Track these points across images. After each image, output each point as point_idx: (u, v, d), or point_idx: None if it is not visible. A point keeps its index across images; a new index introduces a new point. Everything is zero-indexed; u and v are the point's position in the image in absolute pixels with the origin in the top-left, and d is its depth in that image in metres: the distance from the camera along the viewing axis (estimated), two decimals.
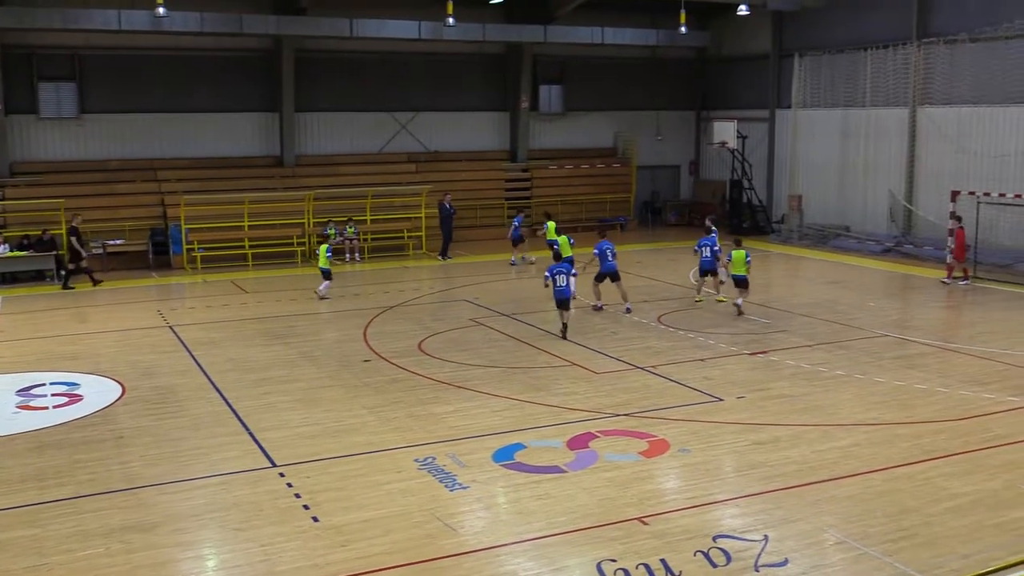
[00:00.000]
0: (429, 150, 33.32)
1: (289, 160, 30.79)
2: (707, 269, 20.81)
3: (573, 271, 18.99)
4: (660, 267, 26.30)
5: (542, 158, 34.89)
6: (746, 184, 33.68)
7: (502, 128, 34.56)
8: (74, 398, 14.30)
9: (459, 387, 14.48)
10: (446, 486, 10.52)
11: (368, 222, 29.20)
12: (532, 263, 25.90)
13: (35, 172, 28.06)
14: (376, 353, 16.74)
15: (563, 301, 17.67)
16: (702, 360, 15.96)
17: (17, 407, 13.90)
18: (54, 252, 25.23)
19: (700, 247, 20.83)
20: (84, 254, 24.39)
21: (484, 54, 33.70)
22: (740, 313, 19.33)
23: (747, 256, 19.60)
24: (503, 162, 34.37)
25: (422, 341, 17.56)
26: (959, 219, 23.09)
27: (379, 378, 15.08)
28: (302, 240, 28.21)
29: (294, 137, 30.84)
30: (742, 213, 33.33)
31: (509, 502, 10.18)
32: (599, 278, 20.01)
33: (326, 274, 22.16)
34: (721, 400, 13.66)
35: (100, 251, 26.41)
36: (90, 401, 14.09)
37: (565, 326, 17.69)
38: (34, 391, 14.68)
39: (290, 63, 29.97)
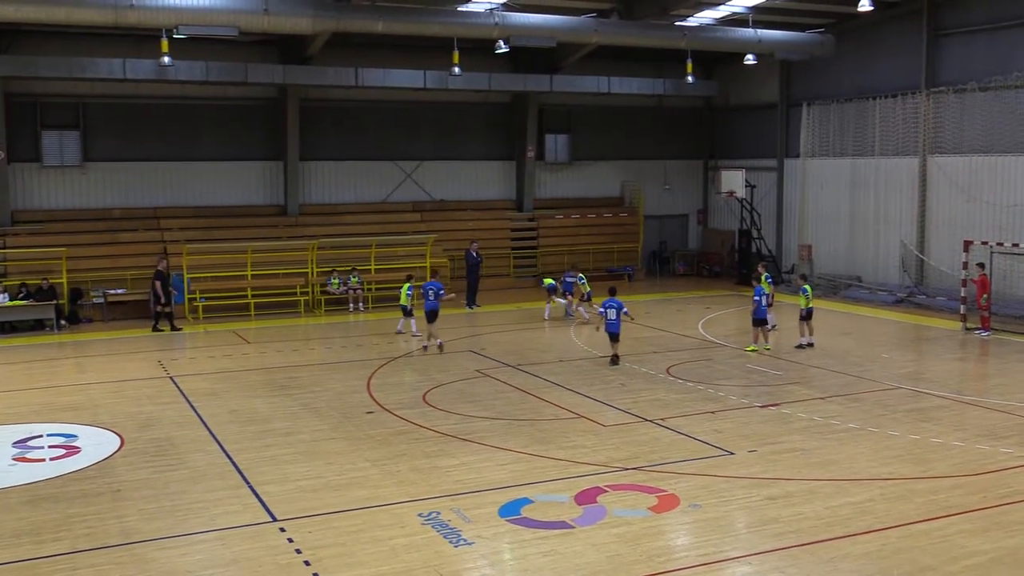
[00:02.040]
0: (434, 199, 33.52)
1: (293, 209, 30.98)
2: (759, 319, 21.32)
3: (625, 309, 20.15)
4: (668, 318, 26.28)
5: (548, 208, 35.07)
6: (755, 234, 33.78)
7: (508, 177, 34.80)
8: (71, 450, 14.24)
9: (464, 440, 14.41)
10: (450, 542, 10.42)
11: (372, 271, 29.28)
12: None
13: (37, 221, 28.26)
14: (380, 404, 16.69)
15: (613, 335, 19.69)
16: (712, 412, 15.87)
17: (13, 459, 13.84)
18: (54, 301, 25.29)
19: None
20: (162, 299, 24.78)
21: (490, 103, 34.04)
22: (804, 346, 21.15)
23: (805, 290, 21.66)
24: (509, 211, 34.54)
25: (426, 392, 17.51)
26: (982, 266, 23.09)
27: (382, 430, 15.02)
28: (305, 290, 28.27)
29: (298, 186, 31.06)
30: (751, 263, 33.32)
31: (515, 558, 10.07)
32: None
33: (406, 312, 23.13)
34: (732, 454, 13.55)
35: (101, 300, 26.50)
36: (88, 453, 14.02)
37: (615, 356, 19.67)
38: (31, 443, 14.63)
39: (295, 112, 30.29)
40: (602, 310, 20.09)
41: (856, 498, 11.68)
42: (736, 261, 34.28)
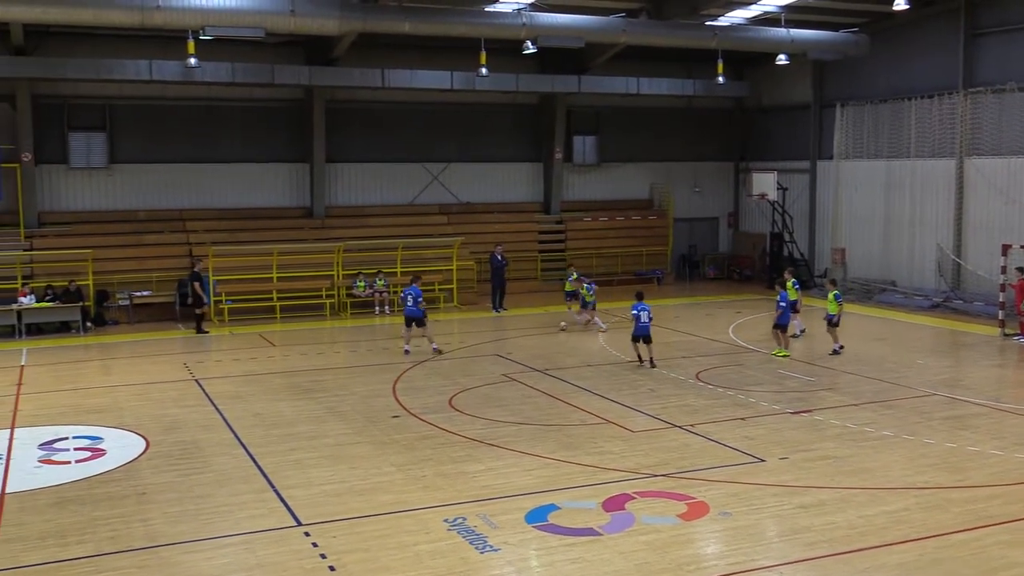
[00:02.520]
0: (461, 201, 33.57)
1: (319, 211, 31.14)
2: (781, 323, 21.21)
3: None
4: (698, 322, 26.16)
5: (576, 210, 35.02)
6: (787, 237, 33.57)
7: (535, 179, 34.79)
8: (97, 453, 14.37)
9: (491, 445, 14.40)
10: (476, 548, 10.41)
11: (398, 274, 29.35)
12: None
13: (64, 222, 28.57)
14: (405, 409, 16.72)
15: (647, 337, 19.96)
16: (742, 419, 15.78)
17: (40, 461, 13.99)
18: (80, 303, 25.55)
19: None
20: (205, 300, 25.14)
21: (517, 104, 34.05)
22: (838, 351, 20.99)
23: (839, 296, 21.51)
24: (536, 214, 34.53)
25: (452, 397, 17.52)
26: (1021, 270, 22.81)
27: (408, 435, 15.04)
28: (331, 292, 28.38)
29: (324, 188, 31.22)
30: (783, 267, 33.10)
31: (542, 566, 10.05)
32: (635, 339, 20.12)
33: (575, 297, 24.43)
34: (763, 461, 13.46)
35: (126, 302, 26.75)
36: (113, 456, 14.15)
37: (651, 359, 19.87)
38: (57, 445, 14.78)
39: (321, 114, 30.45)
40: (635, 312, 20.11)
41: (891, 507, 11.56)
42: (767, 265, 34.07)
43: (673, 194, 35.97)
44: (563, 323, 24.99)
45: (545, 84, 32.14)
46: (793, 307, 21.89)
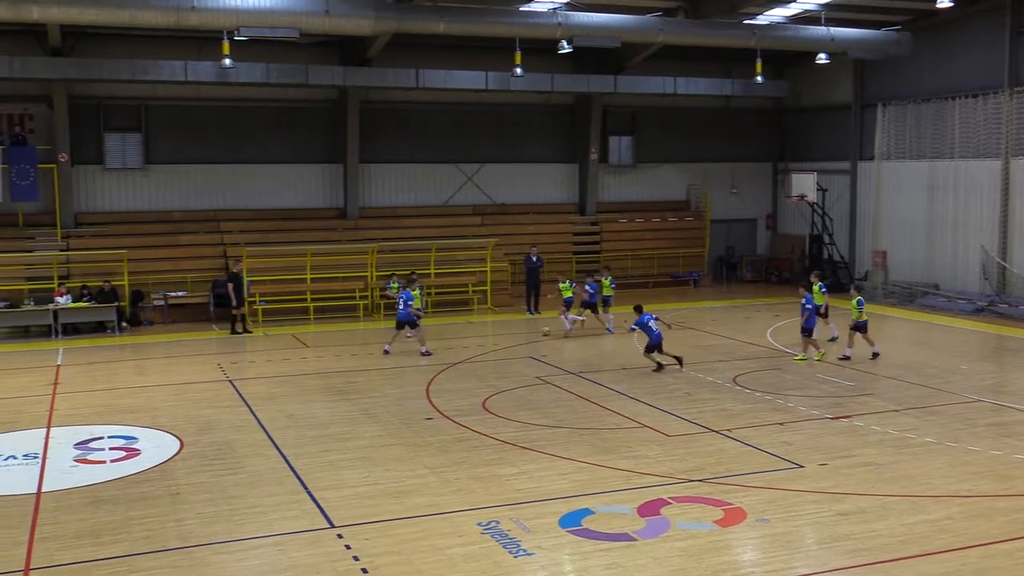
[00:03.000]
0: (495, 203, 33.60)
1: (352, 212, 31.30)
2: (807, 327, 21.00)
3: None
4: (735, 325, 25.99)
5: (612, 211, 34.94)
6: (827, 239, 33.28)
7: (571, 180, 34.75)
8: (132, 452, 14.53)
9: (524, 448, 14.40)
10: (510, 552, 10.41)
11: (432, 276, 29.44)
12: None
13: (100, 223, 28.94)
14: (439, 411, 16.76)
15: (660, 344, 19.99)
16: (780, 424, 15.65)
17: (75, 460, 14.18)
18: (116, 303, 25.86)
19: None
20: (235, 302, 25.26)
21: (552, 105, 34.04)
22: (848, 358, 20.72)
23: (861, 302, 21.16)
24: (571, 215, 34.49)
25: (486, 399, 17.54)
26: None
27: (442, 437, 15.07)
28: (364, 294, 28.52)
29: (358, 189, 31.38)
30: (823, 270, 32.82)
31: (576, 570, 10.02)
32: (653, 349, 20.04)
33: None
34: (801, 467, 13.35)
35: (161, 303, 27.05)
36: (147, 456, 14.30)
37: (661, 364, 19.78)
38: (92, 445, 14.96)
39: (355, 114, 30.62)
40: (651, 321, 20.14)
41: (933, 515, 11.42)
42: (807, 267, 33.77)
43: (710, 195, 35.78)
44: (547, 328, 24.79)
45: (581, 84, 32.10)
46: (818, 311, 21.54)
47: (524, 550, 10.45)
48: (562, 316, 24.57)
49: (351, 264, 28.89)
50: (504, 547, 10.54)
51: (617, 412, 16.53)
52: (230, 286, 25.31)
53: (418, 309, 22.36)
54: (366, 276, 28.78)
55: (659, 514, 11.51)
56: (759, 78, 30.05)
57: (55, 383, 19.50)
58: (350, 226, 31.10)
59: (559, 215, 34.30)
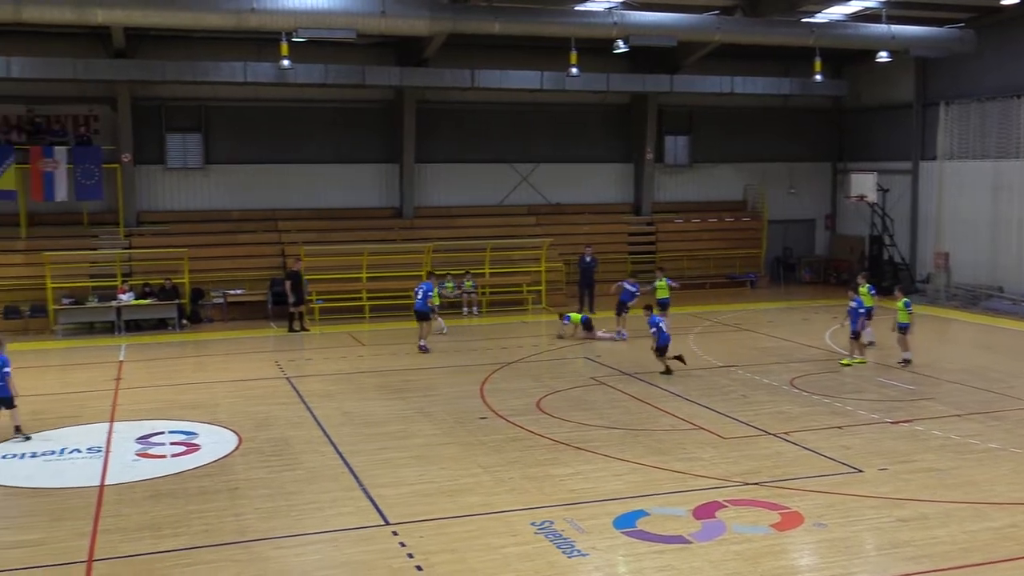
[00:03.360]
0: (550, 202, 33.58)
1: (408, 212, 31.50)
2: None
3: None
4: (792, 327, 25.69)
5: (667, 211, 34.73)
6: (887, 240, 32.76)
7: (626, 180, 34.62)
8: (191, 447, 14.79)
9: (578, 448, 14.38)
10: (564, 552, 10.41)
11: (487, 275, 29.51)
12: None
13: (161, 222, 29.47)
14: (493, 410, 16.80)
15: (666, 347, 19.68)
16: (839, 428, 15.45)
17: (137, 455, 14.46)
18: (177, 301, 26.31)
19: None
20: (291, 299, 25.60)
21: (608, 104, 33.93)
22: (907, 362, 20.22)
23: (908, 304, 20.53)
24: (627, 215, 34.36)
25: (540, 399, 17.54)
26: None
27: (496, 436, 15.11)
28: (470, 284, 28.60)
29: (413, 188, 31.57)
30: (883, 271, 32.36)
31: (630, 572, 9.99)
32: (663, 350, 19.75)
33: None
34: (860, 471, 13.16)
35: (221, 300, 27.46)
36: (207, 451, 14.54)
37: (669, 369, 19.46)
38: (153, 439, 15.25)
39: (411, 114, 30.81)
40: (660, 322, 19.97)
41: (997, 523, 11.19)
42: (866, 268, 33.27)
43: (767, 195, 35.42)
44: (561, 331, 24.57)
45: (636, 84, 31.96)
46: (869, 314, 21.16)
47: (578, 551, 10.44)
48: (613, 329, 24.29)
49: (406, 263, 29.03)
50: (558, 547, 10.53)
51: (672, 413, 16.44)
52: (288, 284, 25.61)
53: (435, 305, 23.11)
54: (421, 275, 28.87)
55: (714, 517, 11.43)
56: (818, 77, 29.62)
57: (118, 378, 19.90)
58: (406, 226, 31.30)
59: (614, 215, 34.18)
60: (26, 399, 17.79)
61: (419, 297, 22.70)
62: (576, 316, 24.61)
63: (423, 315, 22.70)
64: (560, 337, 24.12)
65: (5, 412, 15.44)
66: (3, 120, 28.02)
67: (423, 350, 22.37)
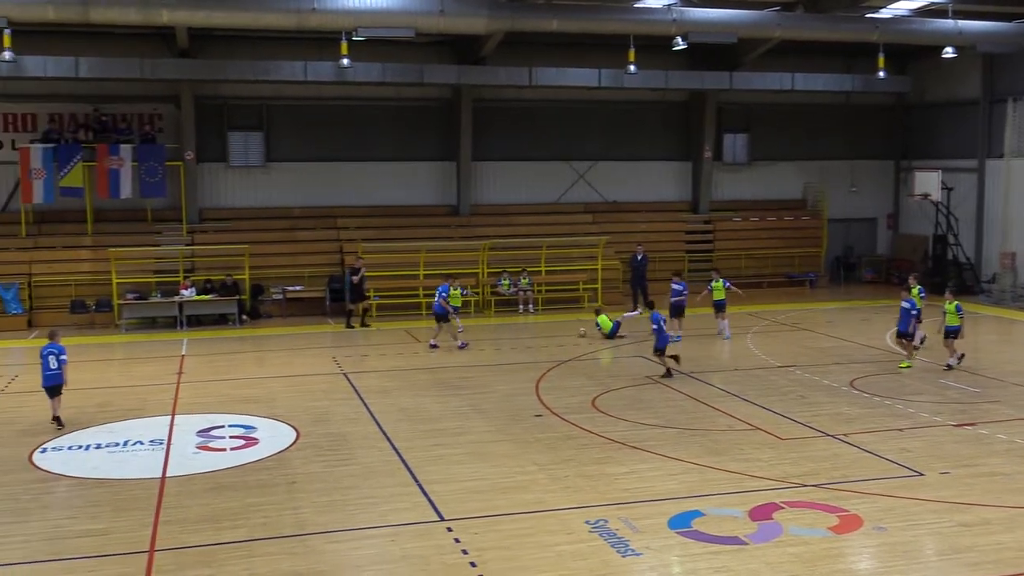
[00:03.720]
0: (607, 200, 33.49)
1: (465, 209, 31.62)
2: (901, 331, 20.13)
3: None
4: (853, 327, 25.31)
5: (726, 209, 34.43)
6: (952, 240, 32.12)
7: (683, 178, 34.38)
8: (250, 441, 15.01)
9: (633, 447, 14.33)
10: (618, 551, 10.38)
11: (543, 273, 29.50)
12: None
13: (222, 219, 29.94)
14: (548, 408, 16.81)
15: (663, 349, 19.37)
16: (900, 430, 15.19)
17: (197, 447, 14.72)
18: (237, 297, 26.72)
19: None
20: (349, 297, 26.07)
21: (666, 102, 33.72)
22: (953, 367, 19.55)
23: (959, 307, 19.84)
24: (684, 213, 34.12)
25: (596, 397, 17.51)
26: None
27: (550, 434, 15.11)
28: (476, 290, 28.77)
29: (470, 186, 31.68)
30: (947, 271, 31.74)
31: (685, 572, 9.94)
32: (663, 350, 19.38)
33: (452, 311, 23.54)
34: (922, 475, 12.93)
35: (280, 297, 27.82)
36: (266, 445, 14.75)
37: (670, 371, 19.15)
38: (213, 432, 15.51)
39: (468, 112, 30.92)
40: (662, 320, 19.57)
41: None
42: (930, 268, 32.69)
43: (828, 194, 34.91)
44: (582, 329, 24.40)
45: (695, 81, 31.72)
46: (919, 316, 20.56)
47: (632, 550, 10.40)
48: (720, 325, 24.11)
49: (463, 261, 29.16)
50: (612, 546, 10.51)
51: (729, 413, 16.30)
52: (355, 279, 25.86)
53: (454, 307, 23.31)
54: (477, 273, 29.03)
55: (771, 518, 11.31)
56: (881, 73, 29.16)
57: (179, 372, 20.27)
58: (462, 223, 31.42)
59: (671, 213, 33.97)
60: (91, 391, 18.26)
61: (437, 300, 23.05)
62: (606, 321, 24.27)
63: (440, 316, 23.04)
64: (581, 336, 23.99)
65: (49, 401, 15.87)
66: (71, 119, 28.69)
67: (433, 347, 22.62)
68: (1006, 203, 30.89)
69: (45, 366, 15.96)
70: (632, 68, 26.35)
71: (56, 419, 15.78)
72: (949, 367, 19.65)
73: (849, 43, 28.93)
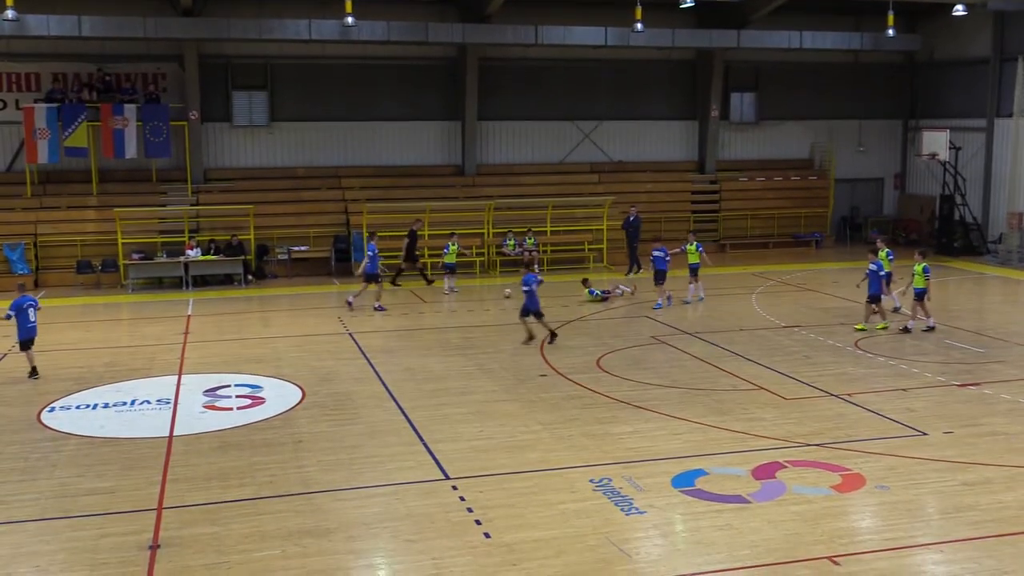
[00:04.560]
0: (613, 160, 33.33)
1: (470, 169, 31.51)
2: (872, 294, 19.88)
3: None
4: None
5: (732, 169, 34.26)
6: (959, 200, 31.96)
7: (690, 138, 34.18)
8: (257, 400, 15.09)
9: (638, 407, 14.37)
10: (622, 509, 10.45)
11: (548, 233, 29.45)
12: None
13: (227, 179, 29.87)
14: (553, 368, 16.85)
15: (537, 311, 18.89)
16: (904, 390, 15.21)
17: (204, 407, 14.80)
18: (242, 257, 26.73)
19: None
20: (402, 263, 26.14)
21: (673, 60, 33.45)
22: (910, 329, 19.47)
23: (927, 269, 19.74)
24: (690, 173, 33.96)
25: (600, 358, 17.54)
26: None
27: (555, 394, 15.17)
28: (481, 251, 28.74)
29: (475, 146, 31.54)
30: (954, 232, 31.63)
31: (688, 531, 10.00)
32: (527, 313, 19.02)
33: (452, 269, 24.58)
34: (925, 434, 12.97)
35: (285, 257, 27.84)
36: (272, 404, 14.83)
37: (551, 332, 18.83)
38: (220, 392, 15.59)
39: (474, 71, 30.70)
40: (534, 282, 18.97)
41: None
42: (936, 229, 32.56)
43: (835, 153, 34.72)
44: (508, 291, 24.29)
45: (703, 39, 31.41)
46: (888, 278, 20.53)
47: (636, 508, 10.47)
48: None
49: (468, 221, 29.12)
50: (616, 504, 10.58)
51: (733, 374, 16.33)
52: (406, 242, 25.91)
53: (449, 265, 23.86)
54: (483, 233, 28.98)
55: (774, 477, 11.37)
56: (890, 32, 28.86)
57: (186, 332, 20.34)
58: (467, 183, 31.32)
59: (677, 173, 33.80)
60: (98, 351, 18.35)
61: (367, 262, 22.52)
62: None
63: (372, 277, 22.60)
64: (507, 297, 23.92)
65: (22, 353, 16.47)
66: (75, 78, 28.53)
67: (379, 309, 22.43)
68: (1015, 163, 30.69)
69: (25, 319, 16.28)
70: (639, 26, 26.10)
71: (34, 369, 16.28)
72: (906, 329, 19.47)
73: (858, 1, 28.55)
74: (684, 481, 11.24)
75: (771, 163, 34.85)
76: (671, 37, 30.41)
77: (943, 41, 33.88)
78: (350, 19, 24.41)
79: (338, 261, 28.17)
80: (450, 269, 24.82)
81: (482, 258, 28.80)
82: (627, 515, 10.31)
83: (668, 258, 23.18)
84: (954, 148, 31.66)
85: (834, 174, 34.52)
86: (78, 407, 14.80)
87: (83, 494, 11.16)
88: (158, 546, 9.70)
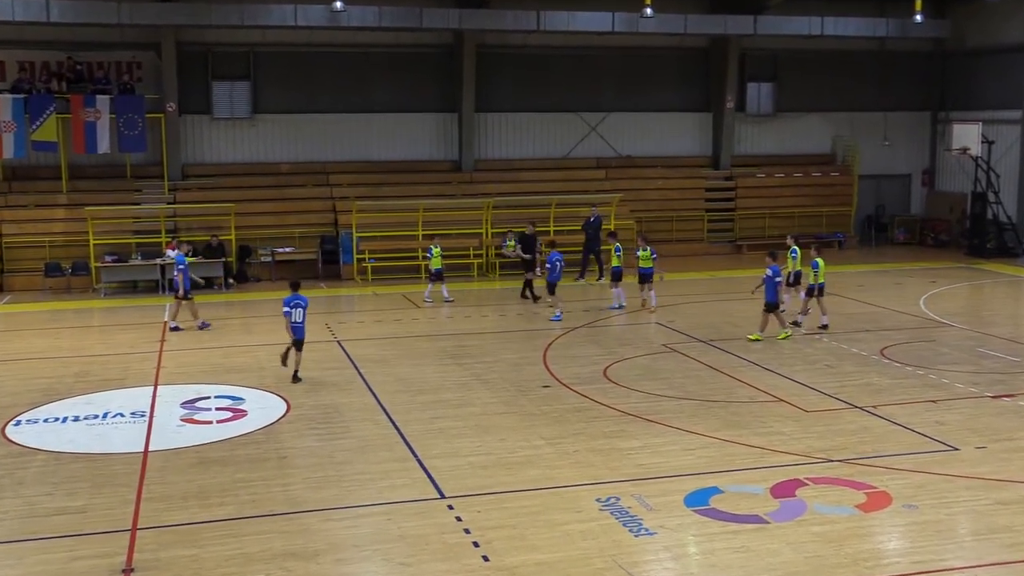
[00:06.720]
0: (621, 155, 33.36)
1: (467, 164, 31.54)
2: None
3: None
4: (884, 292, 25.29)
5: (748, 165, 34.30)
6: (992, 197, 31.99)
7: (703, 131, 34.23)
8: (238, 413, 15.09)
9: (648, 420, 14.38)
10: (630, 530, 10.45)
11: (551, 233, 29.45)
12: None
13: (207, 175, 29.89)
14: (556, 378, 16.85)
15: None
16: (933, 401, 15.23)
17: (182, 420, 14.80)
18: (223, 259, 26.72)
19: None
20: (531, 268, 24.80)
21: (685, 48, 33.50)
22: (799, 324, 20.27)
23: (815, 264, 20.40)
24: (704, 169, 34.01)
25: (607, 367, 17.55)
26: None
27: (559, 406, 15.17)
28: (479, 252, 28.76)
29: (473, 140, 31.57)
30: (986, 232, 31.65)
31: (701, 553, 10.00)
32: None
33: (437, 276, 24.30)
34: (956, 449, 12.98)
35: (269, 259, 27.84)
36: (254, 417, 14.82)
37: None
38: (199, 404, 15.59)
39: (471, 60, 30.74)
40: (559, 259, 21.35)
41: None
42: (967, 229, 32.59)
43: (859, 148, 34.77)
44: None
45: (717, 25, 31.46)
46: (794, 279, 21.41)
47: (646, 529, 10.47)
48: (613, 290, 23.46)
49: (465, 220, 29.15)
50: (624, 525, 10.57)
51: (750, 384, 16.34)
52: (519, 247, 25.45)
53: (436, 270, 23.91)
54: (481, 233, 29.00)
55: (794, 496, 11.37)
56: (918, 17, 28.93)
57: (162, 340, 20.35)
58: (465, 179, 31.36)
59: (690, 169, 33.86)
60: (68, 360, 18.35)
61: (176, 271, 21.48)
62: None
63: (181, 292, 21.25)
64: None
65: None
66: (43, 67, 28.56)
67: (175, 330, 21.19)
68: None
69: None
70: (648, 11, 26.17)
71: None
72: (796, 324, 20.22)
73: None
74: (697, 500, 11.24)
75: (790, 158, 34.90)
76: (683, 23, 30.48)
77: (975, 27, 33.93)
78: (339, 4, 24.49)
79: (326, 263, 28.18)
80: (437, 275, 24.43)
81: (480, 260, 28.81)
82: (636, 536, 10.30)
83: (655, 257, 23.29)
84: (987, 142, 31.70)
85: (857, 170, 34.59)
86: (46, 420, 14.79)
87: (52, 514, 11.14)
88: (132, 569, 9.69)
